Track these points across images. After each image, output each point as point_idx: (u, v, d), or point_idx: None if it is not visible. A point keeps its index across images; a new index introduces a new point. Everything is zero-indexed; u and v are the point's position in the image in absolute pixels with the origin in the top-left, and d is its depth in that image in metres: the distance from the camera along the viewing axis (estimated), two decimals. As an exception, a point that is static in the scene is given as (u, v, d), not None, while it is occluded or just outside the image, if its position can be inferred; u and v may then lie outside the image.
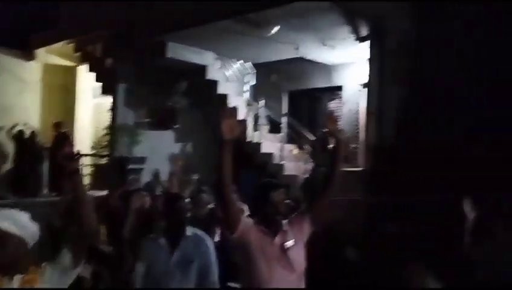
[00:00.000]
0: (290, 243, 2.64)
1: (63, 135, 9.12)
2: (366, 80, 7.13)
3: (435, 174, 5.49)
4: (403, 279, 1.41)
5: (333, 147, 2.74)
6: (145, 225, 4.39)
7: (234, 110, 2.49)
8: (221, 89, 9.07)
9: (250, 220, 2.71)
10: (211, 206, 5.83)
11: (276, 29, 7.17)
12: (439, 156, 5.51)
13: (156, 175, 6.82)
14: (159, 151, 8.74)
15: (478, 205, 4.19)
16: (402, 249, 4.72)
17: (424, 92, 6.09)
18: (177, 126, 9.37)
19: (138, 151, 8.80)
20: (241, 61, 9.61)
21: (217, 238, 4.77)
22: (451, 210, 4.36)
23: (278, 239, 2.65)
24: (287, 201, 3.15)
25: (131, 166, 8.51)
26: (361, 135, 7.74)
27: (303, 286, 2.70)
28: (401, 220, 5.44)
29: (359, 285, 3.91)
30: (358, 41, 7.22)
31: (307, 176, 7.23)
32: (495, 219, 4.13)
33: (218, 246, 3.65)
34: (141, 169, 8.56)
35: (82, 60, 10.40)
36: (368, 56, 6.97)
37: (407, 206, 5.44)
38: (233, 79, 9.54)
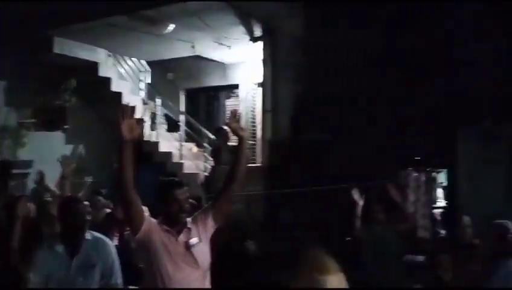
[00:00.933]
0: (194, 240, 2.67)
1: None
2: (261, 78, 7.39)
3: (326, 167, 5.89)
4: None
5: (236, 144, 2.82)
6: (33, 232, 4.11)
7: (133, 109, 2.44)
8: (114, 87, 8.75)
9: (153, 220, 2.69)
10: (107, 209, 5.64)
11: (171, 27, 7.10)
12: (329, 150, 5.92)
13: (40, 179, 6.33)
14: (47, 153, 8.13)
15: (364, 193, 4.61)
16: (298, 238, 5.00)
17: (316, 91, 6.48)
18: (67, 126, 8.82)
19: (23, 154, 8.15)
20: (136, 58, 9.35)
21: (115, 241, 4.63)
22: (342, 199, 4.73)
23: (182, 237, 2.67)
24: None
25: (15, 170, 7.84)
26: (258, 132, 8.00)
27: (208, 283, 2.75)
28: (297, 211, 5.75)
29: (261, 278, 4.06)
30: (252, 42, 7.44)
31: (207, 174, 7.28)
32: (378, 205, 4.57)
33: (118, 249, 3.55)
34: (27, 173, 7.93)
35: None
36: (262, 55, 7.23)
37: (302, 197, 5.76)
38: (127, 77, 9.24)
